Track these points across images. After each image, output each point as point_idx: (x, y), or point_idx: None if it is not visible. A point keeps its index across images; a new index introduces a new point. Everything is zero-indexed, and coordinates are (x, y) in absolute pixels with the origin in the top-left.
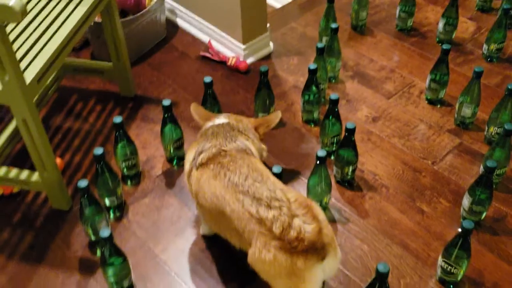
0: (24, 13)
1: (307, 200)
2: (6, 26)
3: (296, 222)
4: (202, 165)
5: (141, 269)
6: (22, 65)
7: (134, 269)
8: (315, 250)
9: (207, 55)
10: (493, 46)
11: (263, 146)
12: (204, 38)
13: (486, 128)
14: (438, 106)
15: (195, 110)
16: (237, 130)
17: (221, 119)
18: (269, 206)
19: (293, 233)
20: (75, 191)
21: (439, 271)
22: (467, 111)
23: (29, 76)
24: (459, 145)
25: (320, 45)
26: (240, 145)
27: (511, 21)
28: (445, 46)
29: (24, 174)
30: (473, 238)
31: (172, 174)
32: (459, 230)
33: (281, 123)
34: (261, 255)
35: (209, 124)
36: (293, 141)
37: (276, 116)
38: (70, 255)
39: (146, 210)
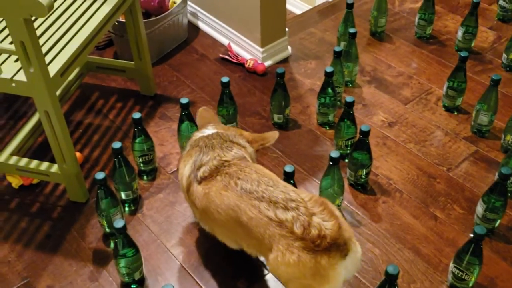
0: (50, 8)
1: (321, 198)
2: (34, 21)
3: (315, 220)
4: (206, 178)
5: (153, 263)
6: (47, 59)
7: (146, 262)
8: (338, 246)
9: (226, 57)
10: None
11: (252, 149)
12: (224, 41)
13: (503, 137)
14: (455, 113)
15: (202, 114)
16: (229, 139)
17: (209, 130)
18: (286, 208)
19: (314, 232)
20: (93, 185)
21: (450, 277)
22: (484, 118)
23: (53, 69)
24: (475, 153)
25: (337, 48)
26: (238, 153)
27: None
28: (463, 54)
29: (44, 165)
30: (486, 245)
31: None
32: (471, 235)
33: (296, 125)
34: (285, 257)
35: (198, 135)
36: (307, 143)
37: (273, 136)
38: (84, 246)
39: (160, 205)
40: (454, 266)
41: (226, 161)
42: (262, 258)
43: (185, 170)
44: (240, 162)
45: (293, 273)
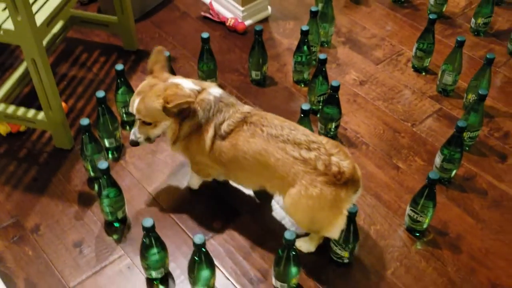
0: None
1: (335, 141)
2: None
3: (334, 159)
4: (231, 132)
5: (135, 204)
6: (34, 9)
7: (128, 204)
8: (353, 182)
9: (208, 15)
10: (481, 20)
11: None
12: None
13: (465, 96)
14: (423, 73)
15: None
16: (232, 98)
17: (215, 90)
18: (309, 148)
19: (335, 168)
20: (77, 133)
21: (407, 219)
22: (448, 78)
23: (39, 19)
24: (438, 110)
25: (313, 8)
26: (249, 107)
27: None
28: (431, 16)
29: (31, 113)
30: (442, 193)
31: None
32: (426, 180)
33: (273, 82)
34: (308, 191)
35: (209, 97)
36: (283, 99)
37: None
38: (70, 189)
39: (142, 153)
40: (410, 209)
41: (247, 112)
42: (277, 199)
43: (209, 133)
44: (259, 111)
45: (313, 206)
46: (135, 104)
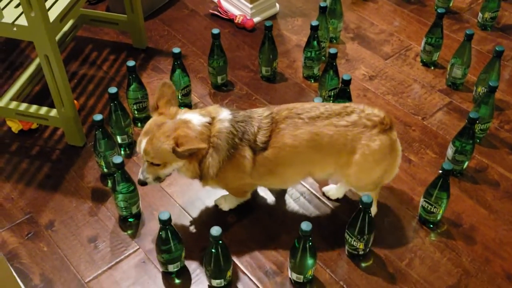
0: None
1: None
2: None
3: (369, 111)
4: (269, 139)
5: (149, 200)
6: (47, 4)
7: (142, 199)
8: (392, 125)
9: (216, 13)
10: (488, 15)
11: None
12: None
13: (475, 89)
14: (432, 68)
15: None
16: (241, 111)
17: (224, 114)
18: (348, 113)
19: (376, 119)
20: (89, 131)
21: (420, 210)
22: (458, 72)
23: (52, 15)
24: (448, 104)
25: (322, 4)
26: (264, 108)
27: None
28: (440, 10)
29: (43, 110)
30: (454, 185)
31: None
32: (440, 171)
33: (283, 78)
34: (370, 147)
35: (224, 125)
36: (293, 95)
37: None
38: (83, 186)
39: None
40: (424, 200)
41: (270, 113)
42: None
43: (246, 155)
44: (279, 106)
45: (379, 158)
46: (142, 145)
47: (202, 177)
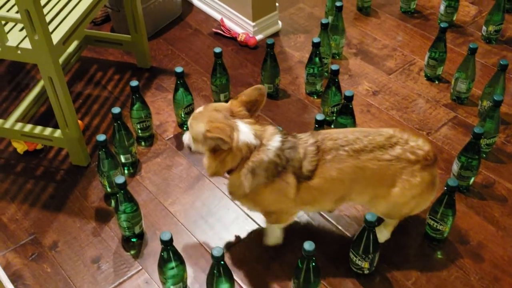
0: None
1: (393, 128)
2: None
3: (412, 144)
4: (316, 168)
5: (152, 219)
6: (50, 28)
7: (145, 219)
8: (436, 159)
9: (219, 31)
10: (492, 28)
11: None
12: (217, 16)
13: (480, 103)
14: (436, 82)
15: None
16: (285, 132)
17: (274, 142)
18: (392, 145)
19: (420, 152)
20: (93, 150)
21: (426, 228)
22: (462, 86)
23: (56, 37)
24: (453, 118)
25: (324, 20)
26: (307, 135)
27: (510, 5)
28: (443, 25)
29: (48, 131)
30: (461, 201)
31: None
32: (445, 188)
33: (286, 95)
34: (411, 183)
35: (268, 156)
36: (296, 111)
37: (259, 91)
38: (87, 205)
39: (157, 168)
40: (430, 218)
41: (315, 142)
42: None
43: (290, 183)
44: (322, 132)
45: (416, 192)
46: (193, 113)
47: (231, 192)
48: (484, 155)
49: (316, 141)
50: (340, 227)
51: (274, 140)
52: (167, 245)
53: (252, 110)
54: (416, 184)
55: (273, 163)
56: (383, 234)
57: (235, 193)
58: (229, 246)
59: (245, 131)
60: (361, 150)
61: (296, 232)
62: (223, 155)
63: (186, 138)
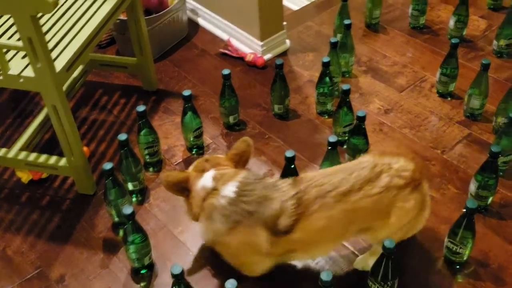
0: (55, 5)
1: (379, 152)
2: (40, 18)
3: (397, 167)
4: (295, 223)
5: (161, 249)
6: (53, 55)
7: (154, 248)
8: (422, 175)
9: (226, 51)
10: (503, 42)
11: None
12: (224, 36)
13: (494, 119)
14: (449, 99)
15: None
16: (261, 177)
17: (227, 190)
18: (378, 176)
19: (406, 174)
20: (100, 178)
21: (445, 251)
22: (475, 102)
23: (59, 65)
24: (468, 136)
25: (333, 39)
26: (285, 184)
27: None
28: (454, 40)
29: (53, 159)
30: (479, 222)
31: (192, 162)
32: (464, 210)
33: (296, 115)
34: (406, 208)
35: (218, 201)
36: (307, 132)
37: (246, 143)
38: (94, 236)
39: (166, 195)
40: (449, 241)
41: (296, 193)
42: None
43: (259, 237)
44: (303, 178)
45: (412, 214)
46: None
47: (202, 237)
48: (501, 173)
49: (297, 192)
50: (357, 255)
51: (228, 185)
52: (179, 278)
53: (241, 162)
54: (411, 208)
55: (227, 209)
56: (371, 260)
57: (203, 239)
58: (242, 277)
59: (207, 175)
60: (348, 191)
61: (314, 261)
62: (190, 199)
63: None
